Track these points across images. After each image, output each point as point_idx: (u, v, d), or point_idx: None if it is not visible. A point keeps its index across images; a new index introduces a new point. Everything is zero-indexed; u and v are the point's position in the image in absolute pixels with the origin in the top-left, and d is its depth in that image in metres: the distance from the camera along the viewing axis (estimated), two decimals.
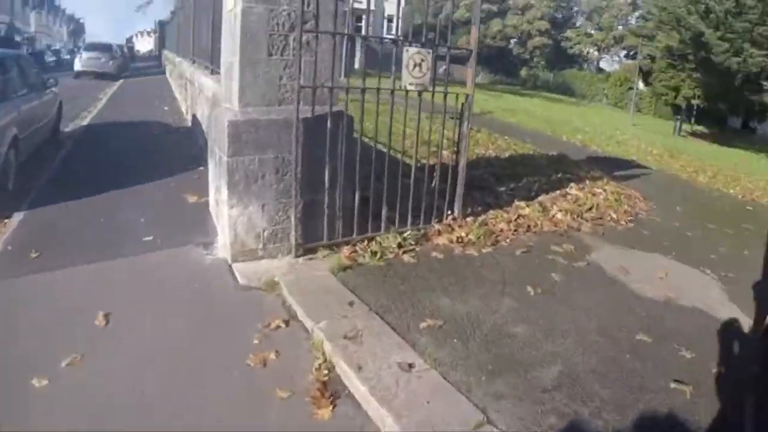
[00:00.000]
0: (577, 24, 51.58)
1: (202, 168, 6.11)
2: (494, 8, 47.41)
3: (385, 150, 4.27)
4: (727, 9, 18.65)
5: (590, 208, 5.86)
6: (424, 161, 4.65)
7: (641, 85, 30.89)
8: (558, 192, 6.38)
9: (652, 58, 25.55)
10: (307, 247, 4.05)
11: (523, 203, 5.63)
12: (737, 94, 21.18)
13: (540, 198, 6.01)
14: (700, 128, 30.04)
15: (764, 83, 19.71)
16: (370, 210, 4.25)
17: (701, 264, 4.76)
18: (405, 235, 4.38)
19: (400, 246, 4.23)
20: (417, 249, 4.28)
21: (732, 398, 2.76)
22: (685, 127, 26.38)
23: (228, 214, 3.85)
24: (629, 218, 5.91)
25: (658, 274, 4.37)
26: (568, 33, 49.25)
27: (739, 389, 2.84)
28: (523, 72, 49.46)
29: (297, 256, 3.99)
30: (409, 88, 4.20)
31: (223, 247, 4.15)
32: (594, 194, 6.51)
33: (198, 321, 3.25)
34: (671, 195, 7.88)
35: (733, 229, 6.30)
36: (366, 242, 4.22)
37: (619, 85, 38.34)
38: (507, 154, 8.92)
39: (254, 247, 3.98)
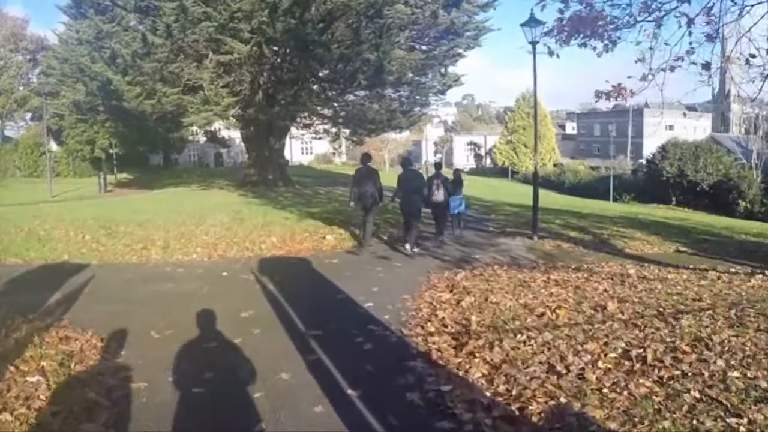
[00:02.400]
0: None
1: None
2: None
3: None
4: (134, 51, 18.19)
5: None
6: None
7: (54, 146, 28.38)
8: None
9: (61, 116, 23.69)
10: None
11: None
12: (155, 134, 21.76)
13: None
14: (125, 176, 30.18)
15: (183, 120, 20.54)
16: None
17: None
18: None
19: None
20: None
21: None
22: (110, 179, 25.92)
23: None
24: None
25: None
26: None
27: None
28: None
29: None
30: None
31: None
32: None
33: None
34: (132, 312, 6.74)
35: None
36: None
37: (30, 153, 34.61)
38: None
39: None
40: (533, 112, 55.59)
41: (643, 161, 48.22)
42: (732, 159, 32.74)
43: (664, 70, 8.02)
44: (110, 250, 10.21)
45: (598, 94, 8.44)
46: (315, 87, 20.78)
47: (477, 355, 4.68)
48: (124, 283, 7.90)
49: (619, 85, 8.15)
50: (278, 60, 19.82)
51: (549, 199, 31.80)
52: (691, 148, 31.65)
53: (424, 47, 23.63)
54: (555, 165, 55.88)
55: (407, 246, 10.36)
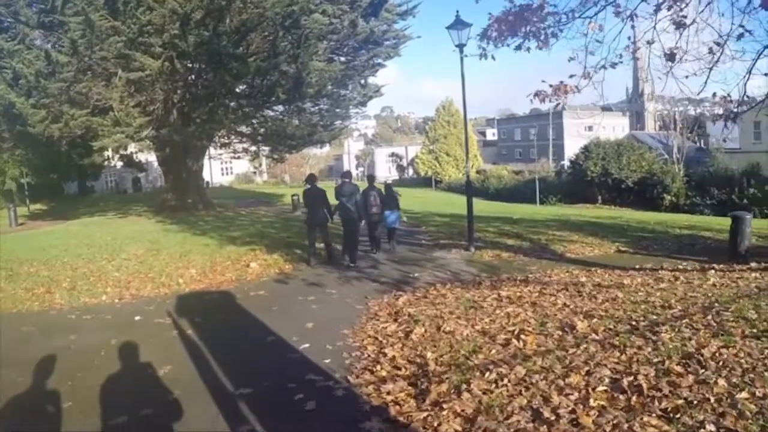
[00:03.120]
0: None
1: None
2: None
3: None
4: (38, 70, 16.18)
5: None
6: None
7: None
8: None
9: None
10: None
11: None
12: (68, 161, 19.63)
13: None
14: (39, 207, 27.76)
15: (93, 144, 18.64)
16: None
17: None
18: None
19: None
20: None
21: None
22: (23, 211, 23.52)
23: None
24: None
25: None
26: None
27: None
28: None
29: None
30: None
31: None
32: None
33: None
34: None
35: None
36: None
37: None
38: None
39: None
40: (457, 119, 56.46)
41: (566, 163, 49.74)
42: (654, 155, 33.98)
43: (604, 66, 7.70)
44: (9, 297, 8.72)
45: (539, 95, 7.92)
46: (232, 104, 19.38)
47: (444, 405, 3.80)
48: (20, 339, 6.48)
49: (562, 83, 7.70)
50: (192, 76, 18.41)
51: (477, 206, 31.55)
52: (613, 147, 32.54)
53: (343, 58, 22.89)
54: (478, 171, 56.53)
55: (347, 257, 10.63)
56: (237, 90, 19.06)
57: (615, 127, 57.72)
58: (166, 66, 15.82)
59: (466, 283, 8.23)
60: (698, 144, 42.11)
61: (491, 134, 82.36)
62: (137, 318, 7.29)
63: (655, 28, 6.81)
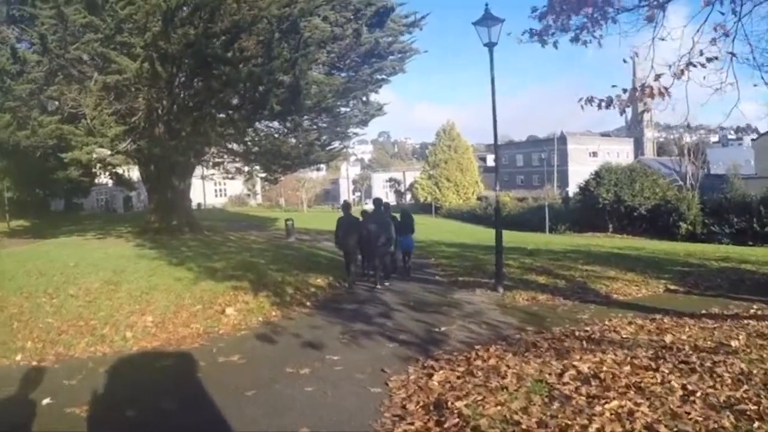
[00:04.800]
0: None
1: None
2: None
3: None
4: (2, 68, 14.13)
5: None
6: None
7: None
8: None
9: None
10: None
11: None
12: (48, 173, 17.39)
13: None
14: (21, 223, 25.84)
15: (63, 155, 16.56)
16: None
17: None
18: None
19: None
20: None
21: None
22: (2, 227, 21.58)
23: None
24: None
25: None
26: None
27: None
28: None
29: None
30: None
31: None
32: None
33: None
34: None
35: None
36: None
37: None
38: None
39: None
40: (458, 143, 55.00)
41: (569, 189, 48.06)
42: (667, 181, 32.23)
43: (692, 63, 6.00)
44: None
45: (592, 101, 6.17)
46: (220, 115, 17.29)
47: None
48: None
49: (644, 85, 5.93)
50: (176, 82, 16.44)
51: (484, 234, 29.90)
52: (626, 173, 30.68)
53: (343, 74, 21.05)
54: (479, 198, 54.81)
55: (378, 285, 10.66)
56: (227, 100, 17.05)
57: (619, 153, 56.35)
58: (146, 68, 13.85)
59: (515, 344, 6.14)
60: (704, 170, 40.50)
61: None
62: (45, 402, 5.01)
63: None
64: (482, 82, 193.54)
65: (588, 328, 6.83)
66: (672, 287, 10.01)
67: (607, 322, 7.17)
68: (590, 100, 6.62)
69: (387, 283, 10.79)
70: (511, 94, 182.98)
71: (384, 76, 22.26)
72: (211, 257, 13.72)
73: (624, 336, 6.34)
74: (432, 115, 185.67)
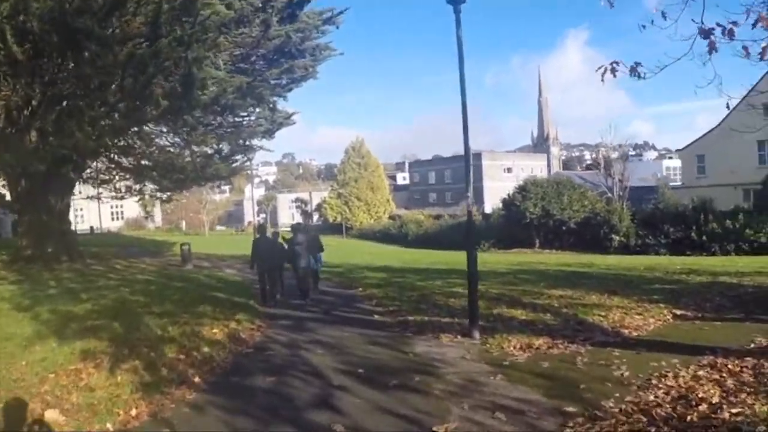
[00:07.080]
0: None
1: None
2: None
3: None
4: None
5: None
6: None
7: None
8: None
9: None
10: None
11: None
12: None
13: None
14: None
15: None
16: None
17: None
18: None
19: None
20: None
21: None
22: None
23: None
24: None
25: None
26: None
27: None
28: None
29: None
30: None
31: None
32: None
33: None
34: None
35: None
36: None
37: None
38: None
39: None
40: (368, 161, 52.41)
41: (485, 206, 47.06)
42: (595, 194, 31.45)
43: None
44: None
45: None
46: (92, 112, 13.33)
47: None
48: None
49: None
50: (37, 66, 12.65)
51: (405, 255, 27.51)
52: (552, 186, 29.40)
53: (249, 78, 17.80)
54: (391, 217, 52.70)
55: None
56: (102, 92, 13.29)
57: (533, 168, 56.56)
58: None
59: None
60: (624, 183, 40.83)
61: (401, 178, 79.65)
62: None
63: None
64: (386, 104, 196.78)
65: (652, 397, 4.40)
66: (677, 312, 8.41)
67: (652, 381, 4.98)
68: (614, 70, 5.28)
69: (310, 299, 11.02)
70: (408, 121, 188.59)
71: (295, 77, 19.37)
72: (78, 296, 10.23)
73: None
74: (336, 137, 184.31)
